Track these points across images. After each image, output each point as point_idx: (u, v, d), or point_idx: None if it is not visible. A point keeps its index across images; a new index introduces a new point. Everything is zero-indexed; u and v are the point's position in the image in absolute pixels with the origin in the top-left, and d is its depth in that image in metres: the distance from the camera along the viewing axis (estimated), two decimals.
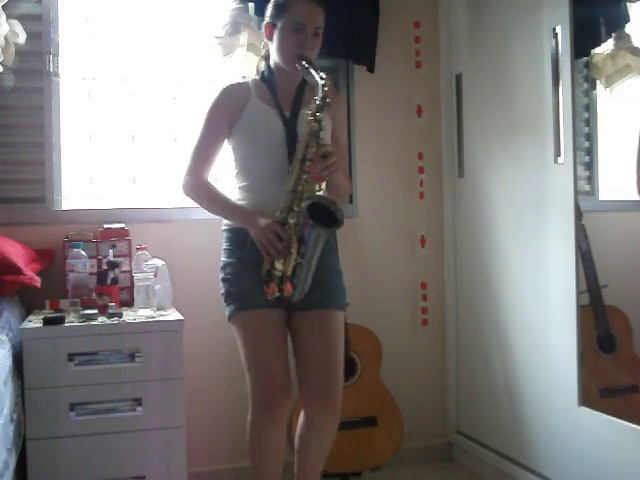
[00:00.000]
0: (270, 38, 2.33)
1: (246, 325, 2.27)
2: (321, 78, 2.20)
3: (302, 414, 2.33)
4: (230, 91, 2.37)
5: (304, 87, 2.38)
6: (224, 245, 2.38)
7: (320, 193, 2.22)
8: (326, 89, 2.20)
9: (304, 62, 2.24)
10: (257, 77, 2.42)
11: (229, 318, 2.32)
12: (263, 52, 2.45)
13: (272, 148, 2.29)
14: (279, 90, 2.35)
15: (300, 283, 2.18)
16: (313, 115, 2.20)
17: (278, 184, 2.24)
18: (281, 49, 2.29)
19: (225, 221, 2.39)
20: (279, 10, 2.29)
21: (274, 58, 2.34)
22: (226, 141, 2.38)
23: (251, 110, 2.32)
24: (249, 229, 2.25)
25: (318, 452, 2.35)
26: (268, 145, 2.29)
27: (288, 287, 2.18)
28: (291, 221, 2.18)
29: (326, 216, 2.15)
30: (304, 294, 2.21)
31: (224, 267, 2.35)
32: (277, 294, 2.21)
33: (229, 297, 2.31)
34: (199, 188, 2.35)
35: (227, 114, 2.34)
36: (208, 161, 2.36)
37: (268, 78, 2.37)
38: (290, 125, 2.30)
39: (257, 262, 2.24)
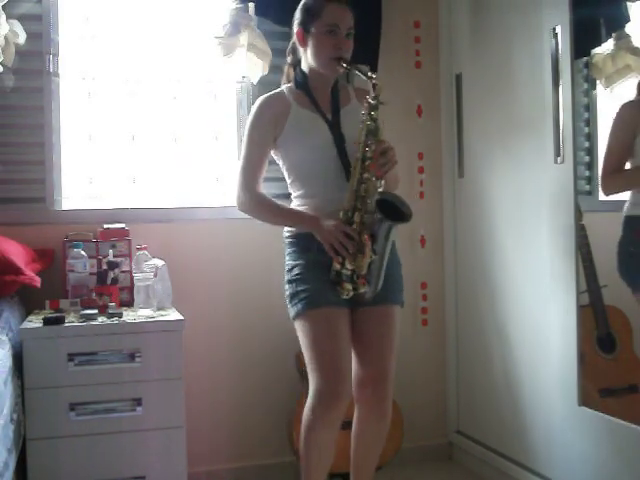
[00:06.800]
0: (303, 44, 2.34)
1: (315, 323, 2.25)
2: (370, 78, 2.23)
3: (355, 413, 2.36)
4: (269, 103, 2.38)
5: (337, 89, 2.41)
6: (288, 250, 2.37)
7: (381, 189, 2.24)
8: (378, 87, 2.22)
9: (345, 64, 2.27)
10: (290, 85, 2.42)
11: (295, 317, 2.30)
12: (290, 59, 2.45)
13: (322, 152, 2.31)
14: (316, 94, 2.37)
15: (374, 279, 2.21)
16: (368, 114, 2.22)
17: (334, 185, 2.29)
18: (318, 54, 2.31)
19: (287, 228, 2.39)
20: (312, 16, 2.31)
21: (310, 63, 2.35)
22: (272, 152, 2.40)
23: (294, 118, 2.34)
24: (315, 233, 2.26)
25: (371, 446, 2.37)
26: (317, 149, 2.31)
27: (362, 284, 2.20)
28: (357, 220, 2.20)
29: (393, 211, 2.18)
30: (377, 291, 2.23)
31: (291, 269, 2.33)
32: (351, 293, 2.22)
33: (296, 296, 2.29)
34: (257, 203, 2.36)
35: (270, 126, 2.35)
36: (258, 175, 2.37)
37: (303, 84, 2.38)
38: (335, 127, 2.33)
39: (324, 263, 2.25)
